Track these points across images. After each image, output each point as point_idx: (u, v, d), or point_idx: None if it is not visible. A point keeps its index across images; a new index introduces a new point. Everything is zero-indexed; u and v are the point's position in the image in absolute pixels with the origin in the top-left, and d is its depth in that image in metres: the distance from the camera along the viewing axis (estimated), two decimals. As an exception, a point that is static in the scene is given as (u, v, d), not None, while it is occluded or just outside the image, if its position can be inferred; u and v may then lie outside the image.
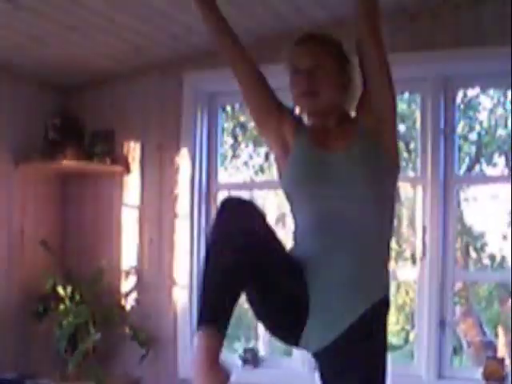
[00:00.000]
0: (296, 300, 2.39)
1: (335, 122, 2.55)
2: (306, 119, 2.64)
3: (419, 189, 4.26)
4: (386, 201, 2.48)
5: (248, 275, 2.23)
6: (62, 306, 4.54)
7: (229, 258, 2.16)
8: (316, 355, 2.46)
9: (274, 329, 2.51)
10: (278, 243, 2.39)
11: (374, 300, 2.38)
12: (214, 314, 2.15)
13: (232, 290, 2.19)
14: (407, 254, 6.36)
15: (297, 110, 2.65)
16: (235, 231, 2.20)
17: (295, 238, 2.54)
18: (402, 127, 6.79)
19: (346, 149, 2.45)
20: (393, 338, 6.94)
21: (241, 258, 2.17)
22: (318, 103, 2.50)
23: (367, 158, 2.43)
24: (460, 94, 4.44)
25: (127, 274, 4.78)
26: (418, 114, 4.36)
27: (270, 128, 2.61)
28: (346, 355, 2.35)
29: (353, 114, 2.63)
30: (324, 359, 2.43)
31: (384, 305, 2.43)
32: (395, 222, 2.58)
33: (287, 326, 2.44)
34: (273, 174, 6.91)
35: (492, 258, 6.73)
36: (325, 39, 2.57)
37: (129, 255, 4.79)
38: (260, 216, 2.34)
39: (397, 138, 2.56)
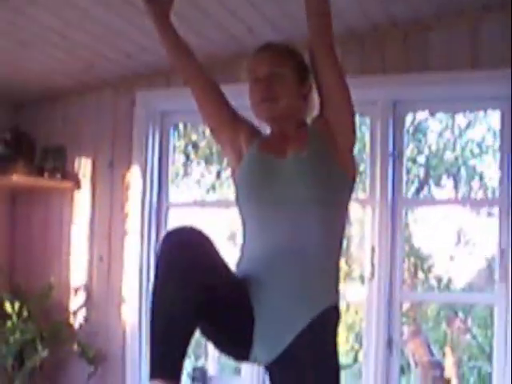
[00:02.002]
0: (242, 316, 2.38)
1: (293, 128, 2.55)
2: (264, 128, 2.66)
3: (369, 210, 4.30)
4: (335, 208, 2.45)
5: (197, 312, 2.19)
6: (8, 323, 4.49)
7: (176, 299, 2.13)
8: (267, 368, 2.44)
9: (222, 346, 2.49)
10: (222, 265, 2.34)
11: (321, 309, 2.34)
12: (169, 365, 2.13)
13: (184, 334, 2.16)
14: (356, 273, 6.43)
15: (255, 122, 2.65)
16: (182, 269, 2.16)
17: (242, 250, 2.52)
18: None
19: (296, 152, 2.45)
20: (342, 358, 6.98)
21: (189, 294, 2.14)
22: (276, 109, 2.50)
23: (316, 161, 2.43)
24: (409, 118, 4.50)
25: (76, 290, 4.74)
26: (367, 137, 4.40)
27: (226, 138, 2.62)
28: (297, 365, 2.33)
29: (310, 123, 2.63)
30: (275, 371, 2.41)
31: (332, 313, 2.40)
32: (344, 241, 2.52)
33: (236, 342, 2.42)
34: (224, 192, 6.95)
35: (439, 279, 6.81)
36: (284, 48, 2.59)
37: (78, 272, 4.76)
38: (203, 244, 2.28)
39: (353, 153, 2.53)
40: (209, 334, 2.45)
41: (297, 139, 2.50)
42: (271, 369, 2.42)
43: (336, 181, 2.44)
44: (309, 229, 2.38)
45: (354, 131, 2.52)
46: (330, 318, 2.39)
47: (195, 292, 2.15)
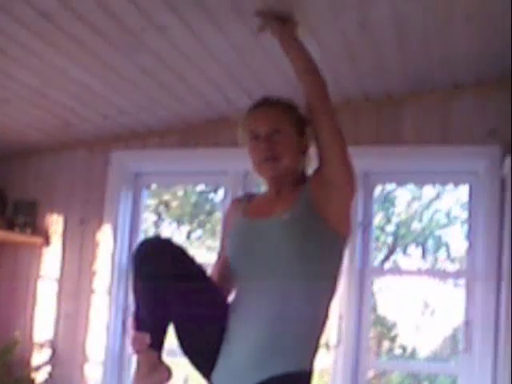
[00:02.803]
0: (211, 335, 2.46)
1: (290, 186, 2.54)
2: (262, 187, 2.70)
3: None
4: (314, 280, 2.41)
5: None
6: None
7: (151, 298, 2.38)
8: None
9: (191, 354, 2.54)
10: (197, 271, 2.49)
11: (273, 373, 2.33)
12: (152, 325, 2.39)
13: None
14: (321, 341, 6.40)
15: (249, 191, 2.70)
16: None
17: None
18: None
19: (279, 213, 2.44)
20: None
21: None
22: (279, 168, 2.51)
23: (297, 223, 2.40)
24: (379, 188, 4.56)
25: (41, 346, 4.70)
26: None
27: None
28: None
29: (308, 175, 2.61)
30: None
31: (286, 381, 2.34)
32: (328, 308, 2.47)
33: (202, 358, 2.50)
34: (193, 252, 6.95)
35: (403, 347, 6.82)
36: (282, 103, 2.58)
37: (44, 328, 4.73)
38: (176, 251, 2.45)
39: (349, 209, 2.51)
40: (180, 339, 2.51)
41: (284, 200, 2.49)
42: None
43: (322, 241, 2.42)
44: (287, 292, 2.37)
45: (350, 187, 2.50)
46: (287, 382, 2.35)
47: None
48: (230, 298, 2.62)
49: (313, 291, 2.41)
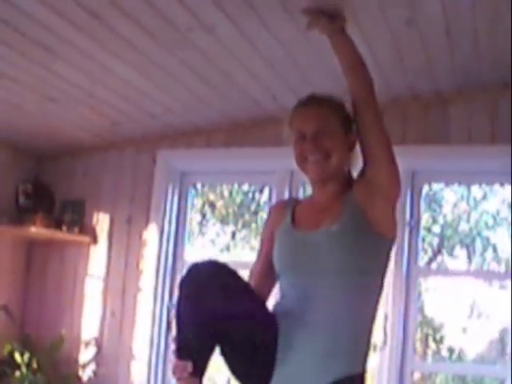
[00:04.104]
0: (262, 350, 2.41)
1: (335, 189, 2.50)
2: (309, 188, 2.65)
3: None
4: (368, 276, 2.41)
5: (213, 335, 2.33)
6: (17, 373, 4.48)
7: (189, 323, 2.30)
8: None
9: (244, 379, 2.50)
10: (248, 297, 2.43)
11: (336, 377, 2.33)
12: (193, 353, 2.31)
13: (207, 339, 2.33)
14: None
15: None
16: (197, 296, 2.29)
17: (275, 306, 2.54)
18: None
19: (328, 225, 2.40)
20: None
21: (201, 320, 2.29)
22: (330, 167, 2.46)
23: (347, 235, 2.37)
24: (425, 188, 4.52)
25: (87, 344, 4.74)
26: None
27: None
28: None
29: (355, 176, 2.56)
30: None
31: (348, 382, 2.36)
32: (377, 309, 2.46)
33: (256, 377, 2.45)
34: (238, 253, 6.95)
35: (450, 349, 6.75)
36: (327, 100, 2.53)
37: (90, 326, 4.77)
38: (227, 276, 2.38)
39: (394, 209, 2.46)
40: (228, 359, 2.47)
41: (331, 210, 2.44)
42: None
43: (370, 247, 2.40)
44: (339, 300, 2.36)
45: (396, 187, 2.45)
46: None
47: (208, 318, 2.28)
48: (271, 299, 2.62)
49: (363, 295, 2.41)
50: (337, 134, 2.47)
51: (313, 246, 2.41)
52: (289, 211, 2.58)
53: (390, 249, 2.47)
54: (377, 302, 2.46)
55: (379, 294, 2.47)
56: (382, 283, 2.47)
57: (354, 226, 2.38)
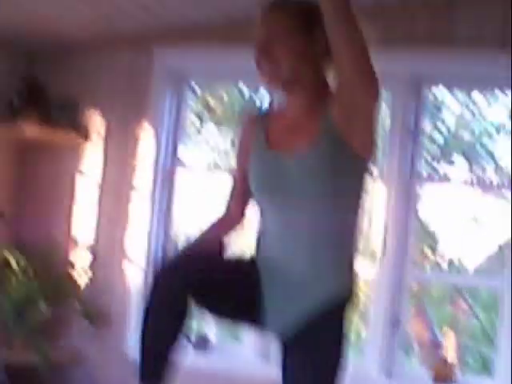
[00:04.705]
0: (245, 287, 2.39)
1: (304, 103, 2.37)
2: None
3: (382, 185, 4.29)
4: (349, 198, 2.35)
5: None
6: (13, 278, 4.46)
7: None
8: (281, 344, 2.43)
9: (225, 314, 2.47)
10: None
11: (332, 297, 2.32)
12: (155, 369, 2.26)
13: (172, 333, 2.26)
14: (367, 251, 6.38)
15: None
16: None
17: (258, 235, 2.50)
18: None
19: (305, 150, 2.30)
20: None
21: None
22: (279, 77, 2.33)
23: (325, 160, 2.27)
24: (428, 94, 4.48)
25: (82, 247, 4.71)
26: (386, 112, 4.36)
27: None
28: (308, 347, 2.33)
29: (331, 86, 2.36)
30: (287, 349, 2.41)
31: (344, 301, 2.36)
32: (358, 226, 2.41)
33: (240, 310, 2.42)
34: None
35: (449, 260, 6.80)
36: (286, 4, 2.36)
37: (84, 229, 4.73)
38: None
39: (372, 126, 2.29)
40: (208, 307, 2.39)
41: (306, 129, 2.33)
42: (283, 346, 2.42)
43: (348, 171, 2.31)
44: (322, 232, 2.32)
45: (372, 94, 2.16)
46: (340, 305, 2.36)
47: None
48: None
49: (342, 218, 2.34)
50: (291, 41, 2.31)
51: (288, 171, 2.33)
52: (261, 127, 2.47)
53: (368, 169, 2.38)
54: (356, 223, 2.40)
55: (358, 215, 2.40)
56: (360, 204, 2.39)
57: (331, 153, 2.28)
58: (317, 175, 2.28)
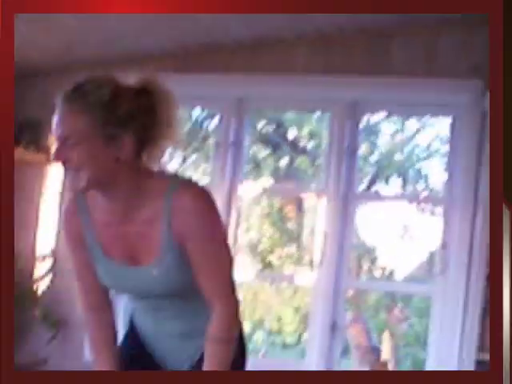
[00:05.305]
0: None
1: (126, 196, 2.12)
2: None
3: (323, 200, 4.46)
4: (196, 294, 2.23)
5: None
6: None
7: None
8: None
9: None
10: None
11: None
12: None
13: None
14: (306, 259, 6.56)
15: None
16: None
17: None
18: (311, 143, 7.06)
19: (148, 264, 2.19)
20: (287, 337, 7.24)
21: None
22: (81, 181, 2.07)
23: (172, 275, 2.19)
24: (365, 118, 4.69)
25: (43, 258, 4.79)
26: (326, 133, 4.59)
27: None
28: None
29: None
30: None
31: None
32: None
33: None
34: (189, 174, 7.07)
35: (382, 269, 7.03)
36: (86, 93, 2.06)
37: (46, 242, 4.81)
38: None
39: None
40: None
41: (145, 237, 2.16)
42: None
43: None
44: (183, 309, 2.33)
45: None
46: None
47: None
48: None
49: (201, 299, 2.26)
50: (88, 142, 2.03)
51: (138, 281, 2.24)
52: (86, 223, 2.24)
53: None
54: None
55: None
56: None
57: (176, 266, 2.17)
58: (163, 287, 2.22)
